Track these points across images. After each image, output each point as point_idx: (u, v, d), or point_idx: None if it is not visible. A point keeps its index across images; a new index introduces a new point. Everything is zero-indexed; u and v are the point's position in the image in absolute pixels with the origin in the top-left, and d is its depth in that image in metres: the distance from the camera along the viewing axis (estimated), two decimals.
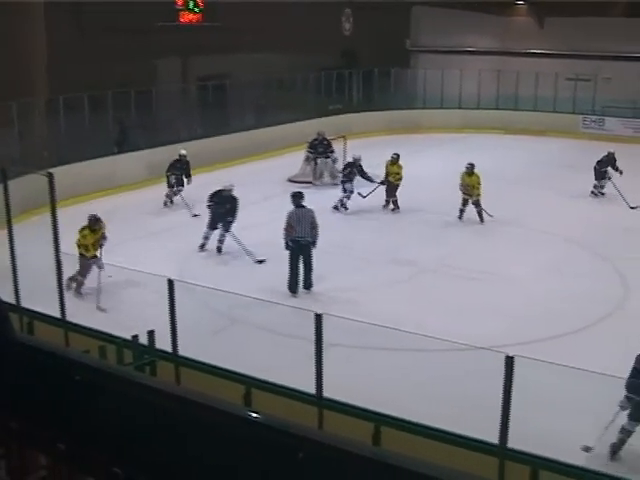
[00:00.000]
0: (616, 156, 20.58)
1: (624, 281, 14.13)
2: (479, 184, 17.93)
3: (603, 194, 20.68)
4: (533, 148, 26.50)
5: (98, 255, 12.88)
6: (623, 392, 7.93)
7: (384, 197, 19.22)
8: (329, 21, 32.10)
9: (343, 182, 19.29)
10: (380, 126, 30.37)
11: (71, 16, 22.57)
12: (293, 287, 13.16)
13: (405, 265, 14.82)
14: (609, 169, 20.60)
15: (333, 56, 32.84)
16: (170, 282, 8.79)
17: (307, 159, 22.09)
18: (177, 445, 2.60)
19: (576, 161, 25.58)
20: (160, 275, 9.08)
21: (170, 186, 19.18)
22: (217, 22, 25.39)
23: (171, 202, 19.38)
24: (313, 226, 13.16)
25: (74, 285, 13.01)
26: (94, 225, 12.94)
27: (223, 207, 15.43)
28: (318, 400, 8.20)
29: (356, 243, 16.26)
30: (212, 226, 15.59)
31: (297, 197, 13.51)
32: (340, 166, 21.14)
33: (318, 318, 8.06)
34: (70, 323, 9.72)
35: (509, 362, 7.13)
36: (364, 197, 19.21)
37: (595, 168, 20.73)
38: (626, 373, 7.94)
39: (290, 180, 21.88)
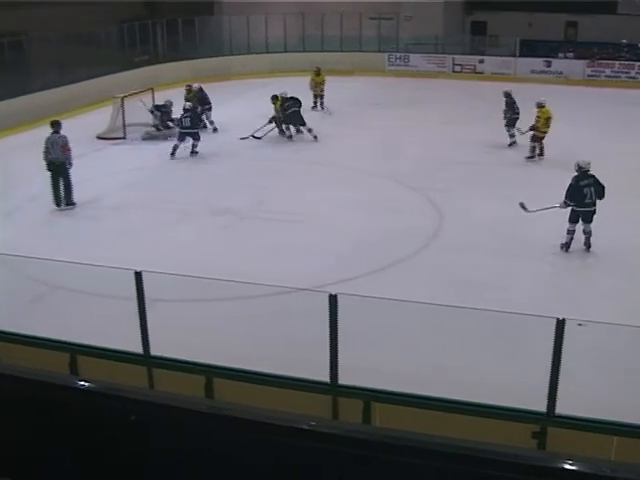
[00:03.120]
0: (511, 94, 19.19)
1: (439, 212, 14.65)
2: (324, 82, 23.61)
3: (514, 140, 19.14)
4: (341, 88, 26.81)
5: None
6: (446, 319, 8.26)
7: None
8: None
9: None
10: (187, 75, 29.73)
11: None
12: (57, 201, 15.02)
13: (223, 214, 14.74)
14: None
15: (135, 7, 31.72)
16: None
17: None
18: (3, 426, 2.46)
19: (383, 98, 26.32)
20: None
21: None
22: None
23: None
24: (65, 149, 14.82)
25: None
26: None
27: None
28: (146, 359, 8.09)
29: (173, 195, 15.94)
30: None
31: (55, 125, 15.16)
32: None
33: (138, 276, 7.91)
34: None
35: (333, 300, 7.29)
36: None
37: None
38: (447, 301, 8.25)
39: (99, 137, 21.08)
